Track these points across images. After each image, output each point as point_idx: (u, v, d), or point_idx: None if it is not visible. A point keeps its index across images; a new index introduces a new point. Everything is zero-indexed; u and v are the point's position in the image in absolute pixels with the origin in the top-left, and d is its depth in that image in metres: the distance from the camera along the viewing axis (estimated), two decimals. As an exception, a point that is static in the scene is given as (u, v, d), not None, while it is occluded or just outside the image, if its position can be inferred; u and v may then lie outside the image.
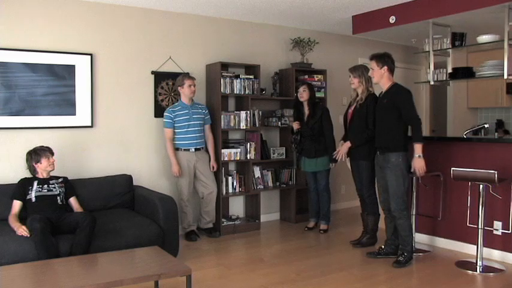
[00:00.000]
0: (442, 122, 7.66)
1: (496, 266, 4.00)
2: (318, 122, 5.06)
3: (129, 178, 4.66)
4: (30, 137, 4.30)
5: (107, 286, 2.64)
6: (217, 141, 5.13)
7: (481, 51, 5.75)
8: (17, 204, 3.81)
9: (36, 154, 3.92)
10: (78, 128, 4.62)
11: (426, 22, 4.93)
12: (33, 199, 3.81)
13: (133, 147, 4.94)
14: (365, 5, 5.05)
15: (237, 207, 5.63)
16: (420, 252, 4.38)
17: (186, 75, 4.94)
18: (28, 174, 3.99)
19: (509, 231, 4.02)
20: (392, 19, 5.11)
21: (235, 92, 5.25)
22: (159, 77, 5.07)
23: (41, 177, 3.94)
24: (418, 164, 3.91)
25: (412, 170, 3.98)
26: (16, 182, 3.91)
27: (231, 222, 5.27)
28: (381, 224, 4.62)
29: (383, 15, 5.18)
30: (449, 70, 5.16)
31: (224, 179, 5.26)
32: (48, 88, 4.44)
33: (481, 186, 3.96)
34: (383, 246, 4.31)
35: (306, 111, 5.14)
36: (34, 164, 3.92)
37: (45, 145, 4.01)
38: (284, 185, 5.75)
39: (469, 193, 4.18)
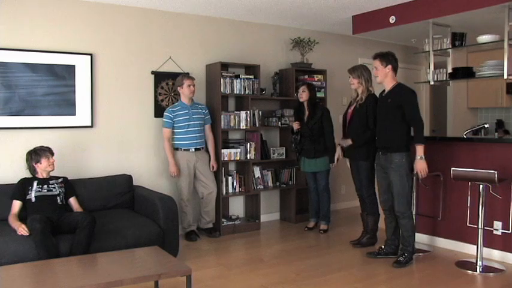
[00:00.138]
0: (442, 122, 7.66)
1: (496, 266, 4.00)
2: (318, 122, 5.06)
3: (129, 178, 4.66)
4: (30, 137, 4.30)
5: (107, 286, 2.64)
6: (217, 141, 5.13)
7: (481, 51, 5.75)
8: (16, 204, 3.81)
9: (36, 154, 3.92)
10: (78, 128, 4.62)
11: (426, 22, 4.93)
12: (33, 199, 3.81)
13: (133, 147, 4.94)
14: (365, 5, 5.05)
15: (237, 207, 5.63)
16: (420, 252, 4.37)
17: (186, 75, 4.94)
18: (28, 174, 3.99)
19: (509, 231, 4.02)
20: (392, 19, 5.11)
21: (235, 92, 5.25)
22: (159, 77, 5.07)
23: (41, 177, 3.94)
24: (421, 165, 3.90)
25: (414, 172, 3.97)
26: (16, 182, 3.91)
27: (231, 222, 5.27)
28: (381, 224, 4.62)
29: (383, 15, 5.18)
30: (449, 70, 5.16)
31: (224, 179, 5.26)
32: (48, 88, 4.44)
33: (481, 186, 3.96)
34: (383, 246, 4.31)
35: (306, 111, 5.14)
36: (34, 164, 3.92)
37: (45, 145, 4.01)
38: (284, 185, 5.75)
39: (469, 193, 4.18)
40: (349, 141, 4.55)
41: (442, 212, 4.54)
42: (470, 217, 4.14)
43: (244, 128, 5.31)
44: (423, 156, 3.88)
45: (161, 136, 4.97)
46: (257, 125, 5.42)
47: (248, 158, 5.32)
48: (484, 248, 4.01)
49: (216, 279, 3.80)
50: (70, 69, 4.54)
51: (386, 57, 4.03)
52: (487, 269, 3.93)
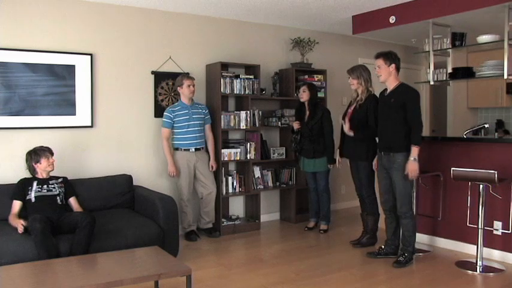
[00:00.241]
0: (442, 122, 7.66)
1: (496, 266, 4.00)
2: (318, 123, 5.05)
3: (129, 178, 4.66)
4: (30, 137, 4.30)
5: (107, 286, 2.63)
6: (217, 141, 5.13)
7: (481, 51, 5.75)
8: (16, 204, 3.81)
9: (35, 154, 3.92)
10: (78, 128, 4.62)
11: (426, 22, 4.93)
12: (33, 199, 3.81)
13: (133, 147, 4.94)
14: (365, 5, 5.05)
15: (237, 207, 5.62)
16: (420, 252, 4.37)
17: (185, 76, 4.94)
18: (28, 175, 3.99)
19: (509, 231, 4.02)
20: (392, 19, 5.11)
21: (235, 92, 5.25)
22: (159, 77, 5.07)
23: (41, 177, 3.94)
24: (413, 166, 3.88)
25: (405, 173, 3.95)
26: (16, 182, 3.91)
27: (231, 222, 5.27)
28: (381, 224, 4.62)
29: (383, 15, 5.18)
30: (449, 70, 5.16)
31: (224, 179, 5.26)
32: (48, 88, 4.44)
33: (481, 186, 3.96)
34: (383, 246, 4.31)
35: (307, 111, 5.15)
36: (34, 164, 3.92)
37: (45, 145, 4.01)
38: (284, 185, 5.75)
39: (469, 193, 4.17)
40: (351, 132, 4.49)
41: (442, 212, 4.54)
42: (470, 217, 4.14)
43: (244, 128, 5.31)
44: (417, 158, 3.86)
45: (161, 136, 4.97)
46: (257, 125, 5.42)
47: (248, 158, 5.32)
48: (484, 248, 4.01)
49: (216, 279, 3.80)
50: (70, 69, 4.54)
51: (390, 56, 4.01)
52: (487, 269, 3.93)
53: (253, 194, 5.47)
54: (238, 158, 5.26)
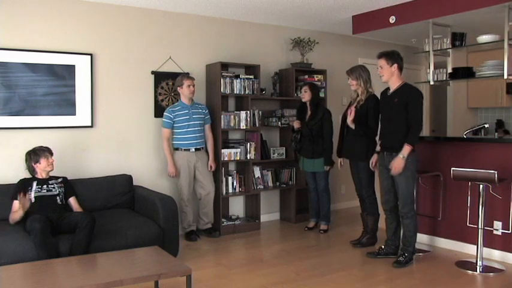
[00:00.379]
0: (442, 122, 7.66)
1: (496, 266, 4.00)
2: (318, 123, 5.05)
3: (129, 178, 4.66)
4: (30, 137, 4.30)
5: (107, 286, 2.63)
6: (217, 141, 5.13)
7: (481, 51, 5.75)
8: (16, 204, 3.80)
9: (35, 154, 3.92)
10: (78, 128, 4.62)
11: (426, 22, 4.93)
12: (33, 199, 3.81)
13: (133, 147, 4.94)
14: (365, 5, 5.05)
15: (237, 207, 5.62)
16: (420, 252, 4.37)
17: (185, 76, 4.94)
18: (27, 175, 3.99)
19: (509, 231, 4.02)
20: (392, 19, 5.11)
21: (235, 92, 5.25)
22: (159, 77, 5.07)
23: (40, 177, 3.94)
24: (398, 164, 3.86)
25: (389, 167, 3.94)
26: (16, 182, 3.91)
27: (231, 222, 5.27)
28: (381, 224, 4.62)
29: (383, 15, 5.18)
30: (449, 70, 5.16)
31: (224, 179, 5.26)
32: (48, 88, 4.44)
33: (481, 186, 3.96)
34: (383, 246, 4.30)
35: (309, 111, 5.15)
36: (33, 164, 3.92)
37: (44, 145, 4.01)
38: (284, 185, 5.75)
39: (469, 193, 4.17)
40: (352, 125, 4.45)
41: (442, 212, 4.54)
42: (470, 217, 4.14)
43: (244, 128, 5.31)
44: (405, 156, 3.84)
45: (161, 136, 4.97)
46: (257, 125, 5.41)
47: (248, 158, 5.32)
48: (484, 248, 4.01)
49: (216, 279, 3.80)
50: (70, 69, 4.54)
51: (392, 56, 3.99)
52: (487, 269, 3.93)
53: (253, 194, 5.47)
54: (238, 158, 5.26)
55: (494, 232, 4.18)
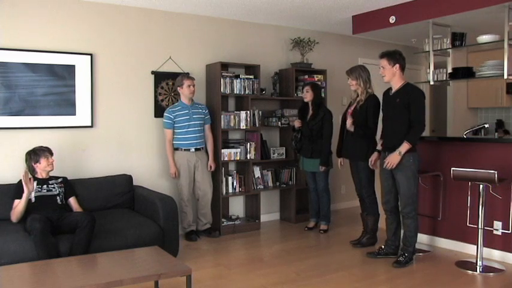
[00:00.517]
0: (442, 122, 7.66)
1: (496, 266, 4.00)
2: (319, 123, 5.05)
3: (129, 178, 4.66)
4: (30, 137, 4.30)
5: (107, 286, 2.63)
6: (217, 141, 5.13)
7: (481, 51, 5.75)
8: (17, 201, 3.79)
9: (35, 154, 3.92)
10: (78, 128, 4.62)
11: (426, 22, 4.93)
12: (33, 199, 3.81)
13: (133, 147, 4.94)
14: (365, 5, 5.05)
15: (237, 207, 5.62)
16: (420, 252, 4.37)
17: (185, 76, 4.94)
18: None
19: (509, 231, 4.02)
20: (392, 19, 5.11)
21: (235, 92, 5.25)
22: (159, 77, 5.07)
23: (40, 177, 3.94)
24: (394, 159, 3.87)
25: (384, 161, 3.94)
26: (16, 182, 3.91)
27: (231, 222, 5.27)
28: (381, 224, 4.63)
29: (383, 15, 5.18)
30: (449, 70, 5.16)
31: (224, 179, 5.26)
32: (48, 88, 4.44)
33: (481, 186, 3.96)
34: (383, 246, 4.30)
35: (311, 111, 5.15)
36: (33, 164, 3.92)
37: (44, 145, 4.01)
38: (284, 185, 5.75)
39: (469, 193, 4.17)
40: (351, 128, 4.48)
41: (442, 212, 4.54)
42: (470, 217, 4.14)
43: (244, 128, 5.31)
44: (402, 153, 3.85)
45: (161, 136, 4.98)
46: (257, 125, 5.42)
47: (248, 158, 5.32)
48: (484, 248, 4.01)
49: (216, 279, 3.80)
50: (70, 69, 4.54)
51: (394, 56, 3.97)
52: (487, 269, 3.93)
53: (253, 194, 5.47)
54: (238, 158, 5.26)
55: (494, 232, 4.18)
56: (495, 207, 4.15)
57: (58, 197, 3.92)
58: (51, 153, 3.98)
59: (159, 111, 5.02)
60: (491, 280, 3.78)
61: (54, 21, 4.49)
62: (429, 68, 5.22)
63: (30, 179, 3.70)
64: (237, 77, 5.26)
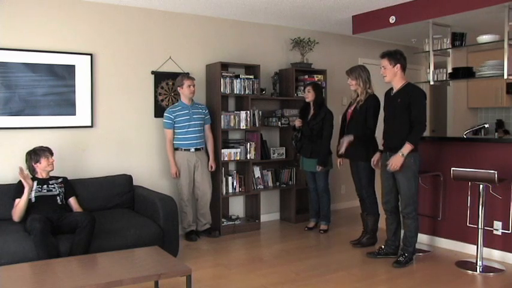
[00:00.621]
0: (442, 122, 7.66)
1: (496, 266, 4.00)
2: (319, 123, 5.05)
3: (129, 178, 4.66)
4: (30, 137, 4.30)
5: (107, 286, 2.64)
6: (217, 141, 5.13)
7: (481, 51, 5.75)
8: (18, 201, 3.79)
9: (35, 154, 3.92)
10: (78, 128, 4.62)
11: (426, 22, 4.93)
12: (33, 199, 3.81)
13: (133, 147, 4.94)
14: (365, 5, 5.05)
15: (237, 207, 5.62)
16: (420, 252, 4.37)
17: (186, 76, 4.94)
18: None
19: (509, 231, 4.02)
20: (392, 19, 5.11)
21: (235, 92, 5.25)
22: (159, 77, 5.07)
23: (41, 177, 3.94)
24: (397, 161, 3.85)
25: (387, 163, 3.95)
26: (16, 182, 3.91)
27: (231, 222, 5.27)
28: (381, 224, 4.62)
29: (383, 15, 5.18)
30: (449, 70, 5.16)
31: (224, 179, 5.26)
32: (48, 88, 4.44)
33: (481, 186, 3.96)
34: (383, 246, 4.30)
35: (312, 111, 5.15)
36: (33, 164, 3.92)
37: (44, 145, 4.01)
38: (284, 185, 5.75)
39: (469, 193, 4.17)
40: (351, 137, 4.50)
41: (442, 212, 4.54)
42: (470, 217, 4.14)
43: (244, 128, 5.31)
44: (405, 155, 3.84)
45: (161, 136, 4.98)
46: (257, 125, 5.42)
47: (248, 158, 5.32)
48: (484, 248, 4.01)
49: (216, 279, 3.80)
50: (70, 69, 4.54)
51: (395, 56, 3.96)
52: (487, 269, 3.93)
53: (253, 194, 5.47)
54: (238, 158, 5.26)
55: (494, 232, 4.18)
56: (495, 207, 4.15)
57: (58, 197, 3.92)
58: (52, 153, 3.98)
59: (159, 111, 5.02)
60: (491, 280, 3.78)
61: (54, 21, 4.49)
62: (429, 68, 5.22)
63: (27, 174, 3.69)
64: (237, 77, 5.26)
